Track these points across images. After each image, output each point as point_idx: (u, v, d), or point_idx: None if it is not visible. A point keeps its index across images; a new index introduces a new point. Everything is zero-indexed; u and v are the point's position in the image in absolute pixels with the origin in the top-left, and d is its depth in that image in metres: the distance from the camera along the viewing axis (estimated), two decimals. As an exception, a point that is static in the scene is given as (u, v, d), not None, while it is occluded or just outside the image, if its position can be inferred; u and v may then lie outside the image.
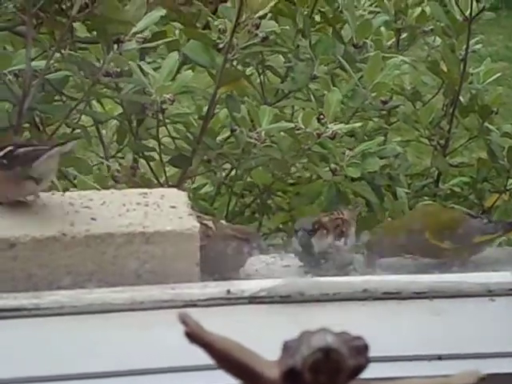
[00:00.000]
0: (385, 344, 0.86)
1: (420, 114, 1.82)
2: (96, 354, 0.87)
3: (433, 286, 0.98)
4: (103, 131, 1.66)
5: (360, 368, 0.63)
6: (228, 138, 1.61)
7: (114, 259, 0.99)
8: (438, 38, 1.84)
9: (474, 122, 1.86)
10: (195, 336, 0.65)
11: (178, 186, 1.46)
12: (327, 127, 1.43)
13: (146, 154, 1.57)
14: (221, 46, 1.45)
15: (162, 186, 1.50)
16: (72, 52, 1.45)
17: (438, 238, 1.11)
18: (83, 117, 1.63)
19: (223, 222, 1.20)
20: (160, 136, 1.50)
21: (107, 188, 1.38)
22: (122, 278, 0.99)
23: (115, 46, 1.39)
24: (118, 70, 1.40)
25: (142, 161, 1.60)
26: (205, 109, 1.55)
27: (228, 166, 1.65)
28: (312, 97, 1.56)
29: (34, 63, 1.41)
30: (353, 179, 1.49)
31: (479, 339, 0.90)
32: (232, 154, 1.49)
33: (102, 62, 1.42)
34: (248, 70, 1.76)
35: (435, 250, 1.13)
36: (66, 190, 1.42)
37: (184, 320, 0.65)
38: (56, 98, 1.57)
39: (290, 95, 1.72)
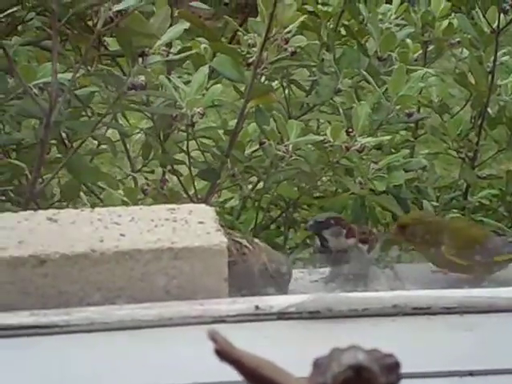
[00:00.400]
0: (415, 360, 0.86)
1: (448, 126, 1.82)
2: (126, 371, 0.87)
3: (463, 300, 0.98)
4: (128, 145, 1.68)
5: (391, 386, 0.64)
6: (255, 151, 1.62)
7: (142, 275, 1.00)
8: (465, 50, 1.84)
9: (502, 134, 1.86)
10: (225, 353, 0.66)
11: (207, 199, 1.47)
12: (356, 140, 1.44)
13: (174, 167, 1.59)
14: (250, 60, 1.47)
15: (190, 198, 1.52)
16: (99, 66, 1.47)
17: (454, 253, 1.12)
18: (108, 132, 1.65)
19: (257, 240, 1.20)
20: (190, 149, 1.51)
21: (136, 201, 1.40)
22: (151, 294, 0.99)
23: (140, 60, 1.41)
24: (144, 83, 1.42)
25: (171, 175, 1.61)
26: (231, 123, 1.56)
27: (253, 179, 1.66)
28: (341, 110, 1.56)
29: (60, 75, 1.43)
30: (378, 193, 1.49)
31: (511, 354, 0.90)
32: (260, 168, 1.50)
33: (127, 75, 1.44)
34: (273, 85, 1.77)
35: (453, 265, 1.13)
36: (93, 205, 1.44)
37: (213, 337, 0.66)
38: (83, 113, 1.60)
39: (314, 109, 1.73)
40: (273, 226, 1.78)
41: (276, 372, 0.67)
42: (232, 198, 1.79)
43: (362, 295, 1.00)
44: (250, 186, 1.69)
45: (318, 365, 0.65)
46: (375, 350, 0.65)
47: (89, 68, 1.46)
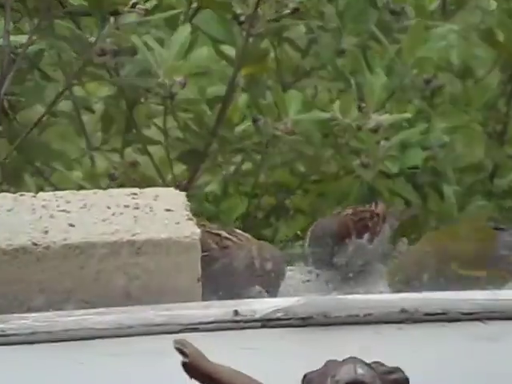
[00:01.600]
0: (428, 376, 0.85)
1: (471, 94, 1.81)
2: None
3: (487, 304, 0.98)
4: (85, 117, 1.67)
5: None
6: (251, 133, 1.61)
7: (96, 274, 0.99)
8: (492, 1, 1.83)
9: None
10: (194, 367, 0.65)
11: (189, 186, 1.46)
12: (369, 117, 1.42)
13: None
14: (242, 18, 1.45)
15: (168, 186, 1.50)
16: (59, 22, 1.45)
17: (466, 266, 1.12)
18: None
19: (239, 231, 1.19)
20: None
21: (98, 187, 1.37)
22: (107, 297, 0.99)
23: (112, 19, 1.39)
24: (116, 48, 1.40)
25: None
26: (214, 92, 1.53)
27: (237, 159, 1.65)
28: (352, 80, 1.53)
29: (13, 38, 1.41)
30: (389, 175, 1.48)
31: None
32: (254, 150, 1.48)
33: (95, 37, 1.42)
34: (261, 44, 1.76)
35: (470, 280, 1.13)
36: (40, 189, 1.42)
37: (181, 348, 0.65)
38: (29, 77, 1.57)
39: (312, 73, 1.71)
40: (260, 216, 1.77)
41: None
42: (211, 181, 1.78)
43: (363, 298, 1.00)
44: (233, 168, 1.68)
45: (309, 381, 0.65)
46: (378, 363, 0.65)
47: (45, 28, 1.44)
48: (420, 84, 1.63)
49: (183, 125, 1.55)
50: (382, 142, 1.46)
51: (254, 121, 1.46)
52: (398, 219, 1.31)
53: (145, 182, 1.47)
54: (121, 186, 1.49)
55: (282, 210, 1.69)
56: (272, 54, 1.75)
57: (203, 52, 1.44)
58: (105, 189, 1.15)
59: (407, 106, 1.75)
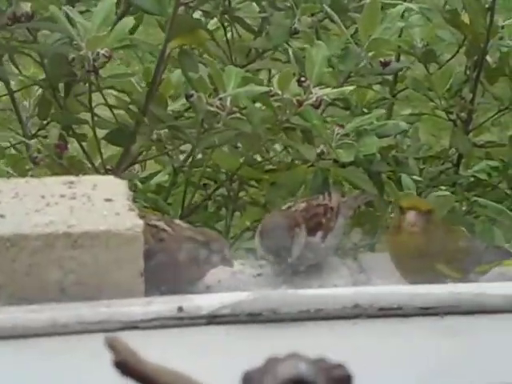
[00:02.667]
0: (381, 374, 0.86)
1: (435, 79, 1.82)
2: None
3: (445, 299, 0.98)
4: (26, 103, 1.65)
5: (341, 405, 0.64)
6: (185, 110, 1.60)
7: (29, 268, 0.99)
8: (457, -19, 1.84)
9: (504, 89, 1.87)
10: (127, 366, 0.65)
11: (118, 170, 1.44)
12: (310, 92, 1.42)
13: (76, 129, 1.55)
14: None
15: (97, 170, 1.49)
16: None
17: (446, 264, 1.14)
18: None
19: (179, 221, 1.19)
20: (94, 105, 1.48)
21: (24, 174, 1.36)
22: (41, 292, 0.98)
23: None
24: (29, 12, 1.38)
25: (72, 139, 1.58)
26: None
27: (187, 147, 1.64)
28: (291, 54, 1.54)
29: None
30: (344, 164, 1.49)
31: (505, 367, 0.91)
32: (188, 128, 1.47)
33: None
34: (212, 23, 1.75)
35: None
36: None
37: (112, 346, 0.65)
38: None
39: (265, 55, 1.72)
40: (212, 209, 1.77)
41: (195, 390, 0.66)
42: (160, 171, 1.78)
43: (315, 293, 1.00)
44: (183, 156, 1.67)
45: (249, 379, 0.65)
46: (321, 359, 0.65)
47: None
48: (377, 67, 1.63)
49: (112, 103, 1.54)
50: (337, 129, 1.46)
51: (187, 97, 1.45)
52: (352, 207, 1.32)
53: (72, 167, 1.46)
54: (46, 171, 1.48)
55: (235, 203, 1.69)
56: (224, 37, 1.75)
57: (129, 23, 1.42)
58: (30, 175, 1.14)
59: (367, 92, 1.76)
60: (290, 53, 1.53)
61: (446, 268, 1.14)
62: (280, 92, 1.40)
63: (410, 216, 1.15)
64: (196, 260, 1.11)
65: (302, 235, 1.16)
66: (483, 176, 1.91)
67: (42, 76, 1.61)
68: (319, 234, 1.19)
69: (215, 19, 1.74)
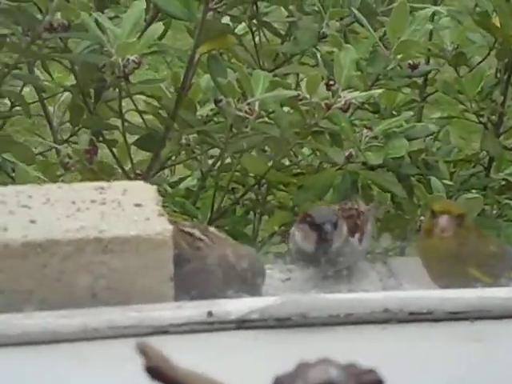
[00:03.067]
0: (410, 379, 0.86)
1: (465, 81, 1.82)
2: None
3: (475, 303, 0.98)
4: (51, 108, 1.66)
5: (371, 410, 0.64)
6: (214, 115, 1.61)
7: (59, 274, 0.99)
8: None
9: (535, 92, 1.85)
10: (158, 371, 0.65)
11: (148, 174, 1.45)
12: (339, 96, 1.42)
13: (107, 135, 1.56)
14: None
15: (127, 175, 1.50)
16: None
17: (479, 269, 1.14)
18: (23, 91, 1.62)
19: (213, 229, 1.19)
20: (124, 110, 1.49)
21: (55, 180, 1.37)
22: (71, 298, 0.99)
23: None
24: (65, 22, 1.39)
25: (103, 144, 1.59)
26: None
27: (215, 151, 1.65)
28: (319, 58, 1.54)
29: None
30: (373, 167, 1.49)
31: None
32: (217, 133, 1.48)
33: (44, 12, 1.41)
34: (240, 28, 1.76)
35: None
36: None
37: (144, 351, 0.65)
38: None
39: (292, 59, 1.72)
40: (241, 213, 1.78)
41: (226, 395, 0.67)
42: (189, 176, 1.78)
43: (344, 297, 1.00)
44: (212, 161, 1.68)
45: (279, 384, 0.66)
46: (352, 364, 0.65)
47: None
48: (406, 70, 1.63)
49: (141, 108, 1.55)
50: (365, 131, 1.47)
51: (216, 102, 1.46)
52: (374, 215, 1.33)
53: (103, 173, 1.47)
54: (77, 176, 1.49)
55: (263, 206, 1.69)
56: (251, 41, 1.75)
57: (158, 29, 1.43)
58: (61, 180, 1.15)
59: (396, 95, 1.76)
60: (319, 56, 1.53)
61: (477, 272, 1.13)
62: (308, 96, 1.41)
63: (443, 220, 1.15)
64: (227, 274, 1.11)
65: (344, 230, 1.16)
66: (515, 180, 1.90)
67: (68, 81, 1.63)
68: (357, 235, 1.20)
69: (243, 24, 1.75)
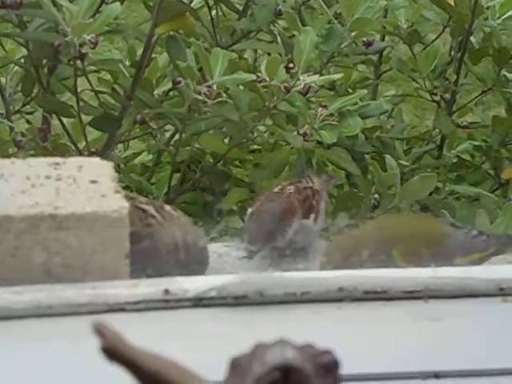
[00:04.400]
0: (365, 358, 0.86)
1: (419, 59, 1.82)
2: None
3: (429, 282, 0.98)
4: (3, 79, 1.64)
5: (329, 391, 0.64)
6: (169, 91, 1.60)
7: (14, 250, 0.98)
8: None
9: (488, 70, 1.87)
10: (114, 351, 0.65)
11: (103, 154, 1.44)
12: (298, 79, 1.42)
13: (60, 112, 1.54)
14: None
15: (81, 154, 1.48)
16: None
17: (408, 258, 1.12)
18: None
19: (169, 207, 1.18)
20: (80, 89, 1.47)
21: (7, 156, 1.35)
22: (25, 274, 0.98)
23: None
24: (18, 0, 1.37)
25: (56, 122, 1.57)
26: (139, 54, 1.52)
27: (171, 127, 1.64)
28: (278, 38, 1.54)
29: None
30: (328, 146, 1.49)
31: (488, 351, 0.91)
32: (175, 114, 1.47)
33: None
34: (195, 2, 1.74)
35: None
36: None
37: (100, 331, 0.65)
38: None
39: (250, 36, 1.71)
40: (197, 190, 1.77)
41: (182, 375, 0.66)
42: (142, 152, 1.77)
43: (300, 275, 1.00)
44: (167, 136, 1.66)
45: (236, 365, 0.65)
46: (309, 345, 0.65)
47: None
48: (360, 48, 1.63)
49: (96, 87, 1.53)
50: (320, 110, 1.46)
51: (175, 83, 1.44)
52: (326, 190, 1.32)
53: (57, 151, 1.45)
54: (31, 155, 1.47)
55: (218, 183, 1.69)
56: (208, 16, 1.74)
57: (116, 9, 1.41)
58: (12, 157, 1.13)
59: (351, 73, 1.76)
60: (277, 33, 1.52)
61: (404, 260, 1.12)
62: (268, 78, 1.40)
63: None
64: (174, 255, 1.10)
65: (298, 219, 1.16)
66: (466, 156, 1.92)
67: (21, 52, 1.60)
68: (312, 216, 1.19)
69: (199, -2, 1.73)
